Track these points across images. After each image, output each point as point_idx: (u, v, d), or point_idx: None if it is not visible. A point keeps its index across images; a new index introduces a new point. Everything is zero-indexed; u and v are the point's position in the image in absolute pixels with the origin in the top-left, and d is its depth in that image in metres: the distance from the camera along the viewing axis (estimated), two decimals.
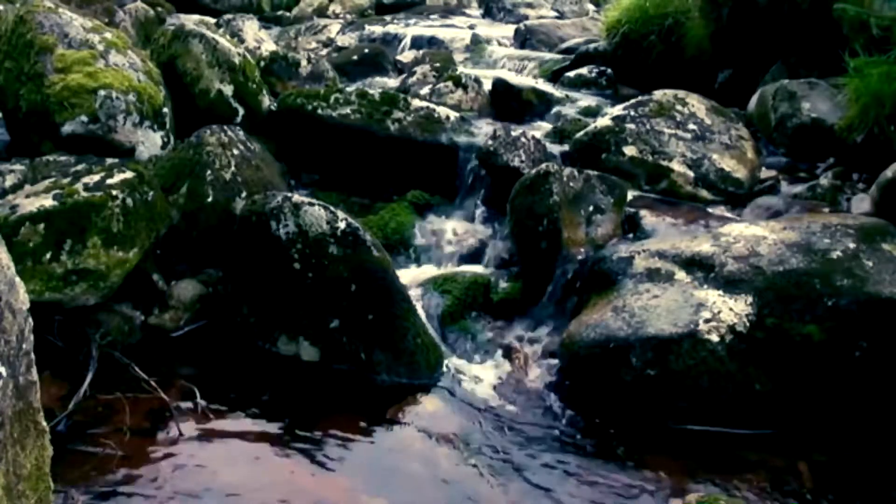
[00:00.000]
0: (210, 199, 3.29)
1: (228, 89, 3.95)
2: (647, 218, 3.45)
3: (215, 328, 3.12)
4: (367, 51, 6.22)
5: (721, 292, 2.78)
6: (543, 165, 3.40)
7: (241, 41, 5.13)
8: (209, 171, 3.32)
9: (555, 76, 5.78)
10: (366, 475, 2.44)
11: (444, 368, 2.99)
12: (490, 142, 3.80)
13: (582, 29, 7.45)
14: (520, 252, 3.42)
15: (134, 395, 2.66)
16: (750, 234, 2.97)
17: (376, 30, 7.50)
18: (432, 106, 4.15)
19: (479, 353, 3.12)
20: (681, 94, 4.20)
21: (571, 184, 3.34)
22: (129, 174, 2.98)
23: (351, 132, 3.97)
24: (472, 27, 7.73)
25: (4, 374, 1.45)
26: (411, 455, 2.55)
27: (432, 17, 8.58)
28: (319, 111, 4.00)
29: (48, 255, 2.70)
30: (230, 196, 3.33)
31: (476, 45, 6.89)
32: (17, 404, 1.50)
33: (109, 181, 2.90)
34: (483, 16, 9.08)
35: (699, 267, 2.90)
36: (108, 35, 3.55)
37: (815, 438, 2.63)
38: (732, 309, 2.72)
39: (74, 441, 2.44)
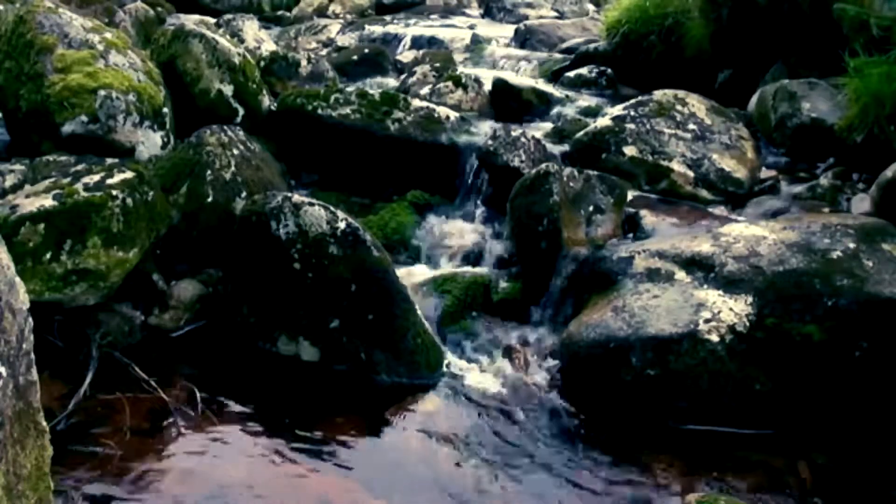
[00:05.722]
0: (210, 199, 3.29)
1: (228, 89, 3.95)
2: (647, 218, 3.45)
3: (215, 328, 3.12)
4: (367, 51, 6.22)
5: (721, 292, 2.78)
6: (543, 165, 3.40)
7: (241, 41, 5.13)
8: (209, 171, 3.32)
9: (555, 76, 5.78)
10: (366, 475, 2.44)
11: (444, 368, 2.99)
12: (490, 142, 3.80)
13: (582, 29, 7.45)
14: (520, 252, 3.42)
15: (134, 395, 2.66)
16: (750, 234, 2.97)
17: (376, 30, 7.50)
18: (432, 106, 4.15)
19: (479, 353, 3.11)
20: (681, 94, 4.20)
21: (571, 184, 3.34)
22: (129, 174, 2.98)
23: (351, 132, 3.97)
24: (472, 27, 7.73)
25: (4, 374, 1.45)
26: (411, 455, 2.55)
27: (432, 17, 8.58)
28: (319, 111, 4.00)
29: (48, 255, 2.70)
30: (230, 196, 3.33)
31: (476, 45, 6.89)
32: (17, 404, 1.50)
33: (109, 181, 2.90)
34: (483, 16, 9.08)
35: (699, 267, 2.90)
36: (108, 35, 3.55)
37: (815, 438, 2.63)
38: (732, 309, 2.72)
39: (74, 441, 2.44)
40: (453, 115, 4.14)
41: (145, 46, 4.49)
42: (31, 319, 1.57)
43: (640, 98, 4.20)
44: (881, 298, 2.64)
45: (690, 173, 3.78)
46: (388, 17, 8.31)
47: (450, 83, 4.81)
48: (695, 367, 2.66)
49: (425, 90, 4.89)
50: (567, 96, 5.05)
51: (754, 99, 4.39)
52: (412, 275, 3.47)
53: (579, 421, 2.74)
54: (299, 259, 2.96)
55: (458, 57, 6.47)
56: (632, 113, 4.03)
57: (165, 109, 3.53)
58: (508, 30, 7.55)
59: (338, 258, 2.95)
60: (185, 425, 2.58)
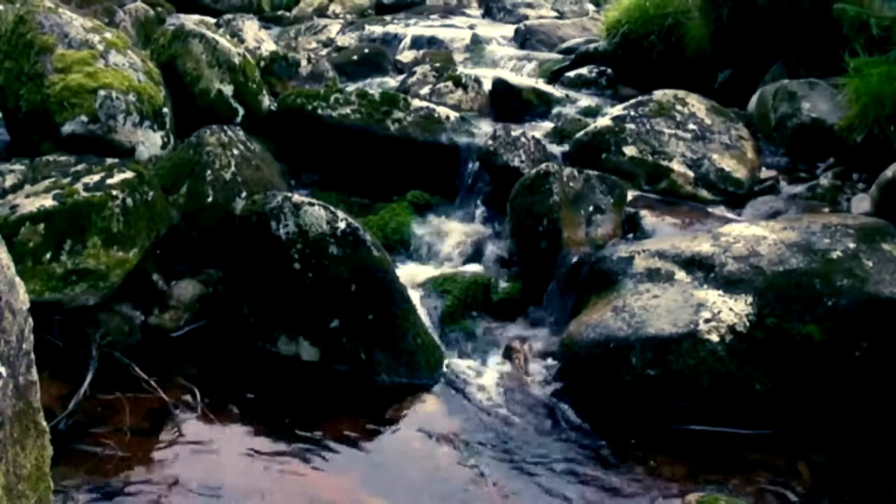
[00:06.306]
0: (210, 199, 3.29)
1: (228, 89, 3.95)
2: (647, 218, 3.45)
3: (215, 328, 3.12)
4: (367, 51, 6.22)
5: (721, 292, 2.78)
6: (543, 165, 3.40)
7: (241, 41, 5.13)
8: (209, 171, 3.32)
9: (555, 76, 5.78)
10: (366, 475, 2.44)
11: (445, 368, 2.99)
12: (490, 142, 3.80)
13: (582, 29, 7.45)
14: (520, 252, 3.42)
15: (134, 395, 2.66)
16: (750, 234, 2.97)
17: (376, 30, 7.50)
18: (432, 106, 4.15)
19: (479, 353, 3.11)
20: (681, 94, 4.20)
21: (571, 184, 3.34)
22: (129, 174, 2.98)
23: (351, 132, 3.97)
24: (472, 27, 7.73)
25: (4, 374, 1.45)
26: (411, 455, 2.55)
27: (432, 17, 8.58)
28: (319, 111, 4.00)
29: (48, 255, 2.70)
30: (230, 196, 3.33)
31: (476, 45, 6.89)
32: (17, 404, 1.50)
33: (109, 181, 2.90)
34: (483, 16, 9.08)
35: (699, 267, 2.90)
36: (108, 35, 3.55)
37: (815, 438, 2.62)
38: (732, 309, 2.72)
39: (74, 441, 2.44)
40: (453, 115, 4.14)
41: (145, 46, 4.50)
42: (31, 319, 1.57)
43: (640, 98, 4.20)
44: (881, 298, 2.64)
45: (690, 173, 3.78)
46: (388, 17, 8.31)
47: (450, 83, 4.82)
48: (695, 367, 2.66)
49: (425, 90, 4.89)
50: (567, 96, 5.05)
51: (754, 99, 4.39)
52: (412, 275, 3.47)
53: (579, 421, 2.74)
54: (299, 259, 2.96)
55: (458, 57, 6.47)
56: (632, 113, 4.03)
57: (165, 109, 3.53)
58: (508, 30, 7.55)
59: (338, 258, 2.95)
60: (185, 425, 2.58)
